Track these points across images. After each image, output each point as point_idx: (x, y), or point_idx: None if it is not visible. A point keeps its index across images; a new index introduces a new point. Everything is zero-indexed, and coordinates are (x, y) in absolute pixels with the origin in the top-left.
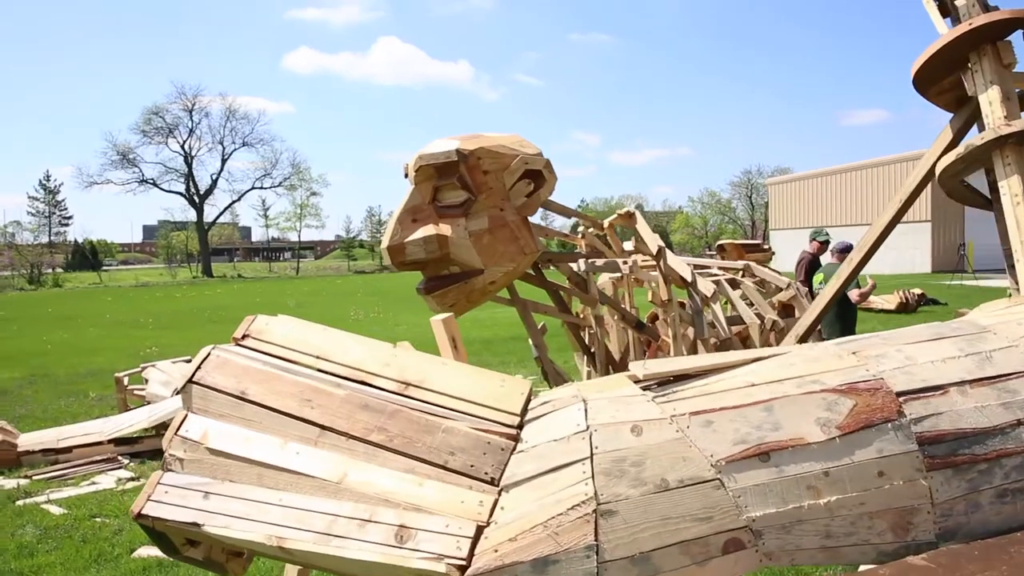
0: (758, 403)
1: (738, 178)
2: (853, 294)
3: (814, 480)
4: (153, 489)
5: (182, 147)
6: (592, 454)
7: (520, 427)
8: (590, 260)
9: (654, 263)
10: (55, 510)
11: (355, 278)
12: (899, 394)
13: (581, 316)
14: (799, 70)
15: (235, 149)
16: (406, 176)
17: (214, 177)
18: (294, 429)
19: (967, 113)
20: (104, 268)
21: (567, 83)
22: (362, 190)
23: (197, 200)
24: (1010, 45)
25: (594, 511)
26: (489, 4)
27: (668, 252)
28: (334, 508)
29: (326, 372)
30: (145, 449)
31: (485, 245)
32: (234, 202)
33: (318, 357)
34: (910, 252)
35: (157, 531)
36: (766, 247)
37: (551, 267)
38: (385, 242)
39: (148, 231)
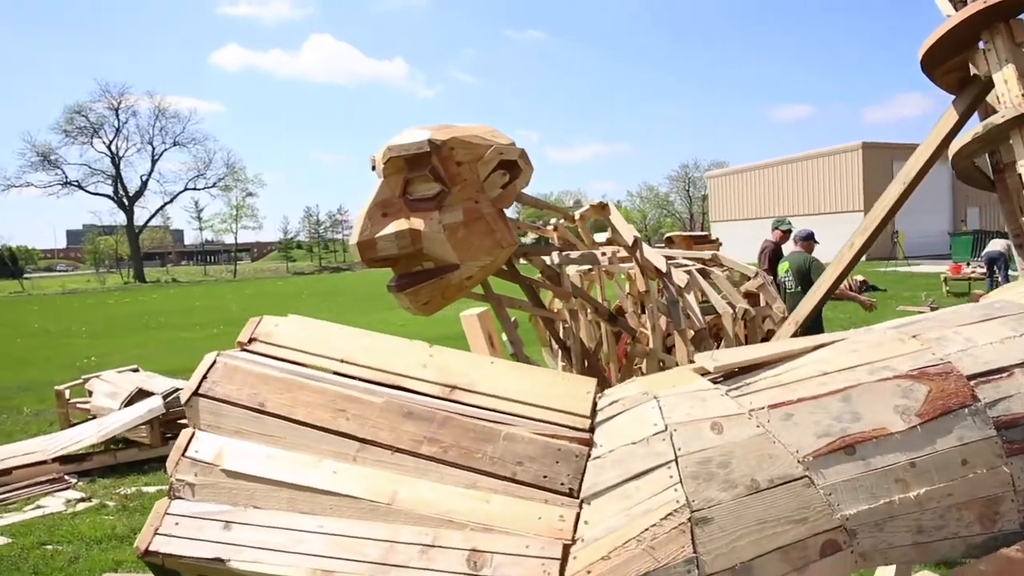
0: (835, 392)
1: (676, 172)
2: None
3: (901, 472)
4: (160, 521)
5: (108, 147)
6: (676, 456)
7: (591, 430)
8: (564, 253)
9: (626, 255)
10: None
11: (296, 279)
12: (969, 378)
13: (556, 311)
14: (730, 65)
15: (165, 149)
16: (373, 169)
17: (144, 178)
18: (327, 444)
19: (972, 94)
20: (25, 276)
21: (504, 80)
22: (296, 190)
23: (126, 203)
24: (1022, 23)
25: (689, 519)
26: (424, 1)
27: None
28: (389, 533)
29: (354, 378)
30: (95, 467)
31: (460, 239)
32: (166, 204)
33: (343, 361)
34: (845, 240)
35: (167, 569)
36: (714, 238)
37: (521, 261)
38: (354, 238)
39: (73, 236)
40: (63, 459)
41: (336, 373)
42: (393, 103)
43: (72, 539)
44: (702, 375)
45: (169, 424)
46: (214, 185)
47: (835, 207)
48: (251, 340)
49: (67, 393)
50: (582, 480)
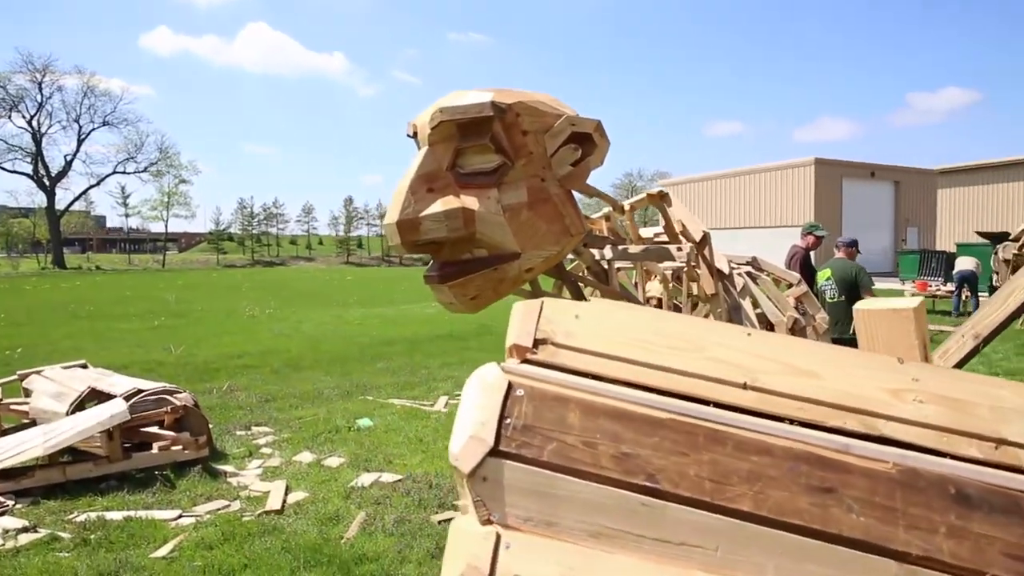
0: None
1: (620, 180)
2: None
3: None
4: None
5: (29, 123)
6: None
7: None
8: (622, 247)
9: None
10: None
11: (230, 272)
12: None
13: None
14: (667, 82)
15: (94, 128)
16: (412, 136)
17: (69, 159)
18: (824, 564)
19: None
20: None
21: (445, 82)
22: (227, 182)
23: (47, 183)
24: None
25: None
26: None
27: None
28: None
29: (783, 419)
30: (36, 485)
31: (523, 222)
32: (92, 186)
33: (745, 385)
34: None
35: None
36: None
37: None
38: (392, 216)
39: None
40: None
41: (721, 406)
42: (332, 98)
43: None
44: None
45: (130, 432)
46: (145, 170)
47: (787, 220)
48: (538, 343)
49: None
50: None
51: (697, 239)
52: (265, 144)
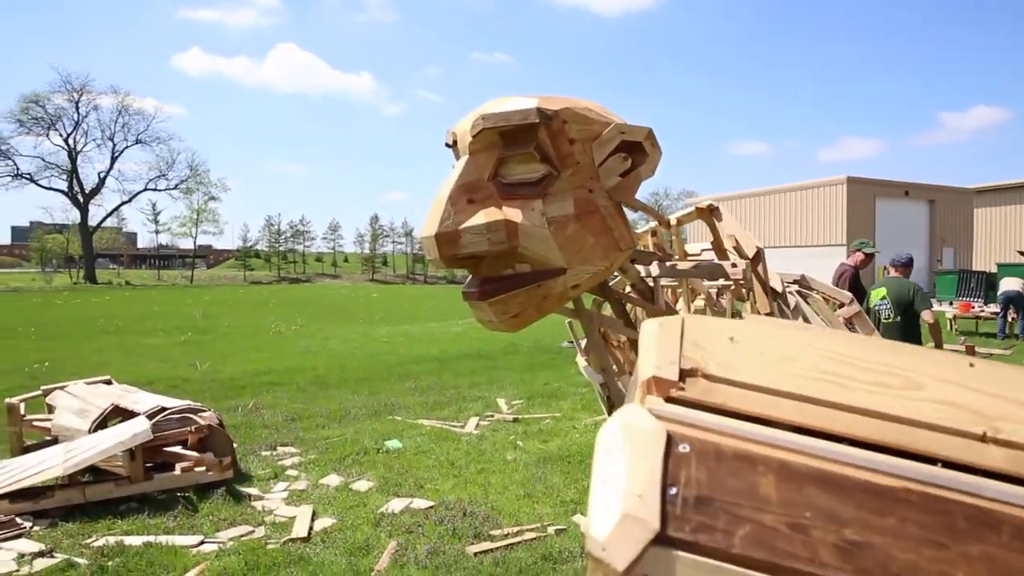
0: None
1: (646, 199)
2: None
3: None
4: None
5: (65, 141)
6: None
7: None
8: (670, 263)
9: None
10: None
11: (256, 288)
12: None
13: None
14: (692, 102)
15: (127, 147)
16: (451, 145)
17: (102, 175)
18: None
19: None
20: None
21: (468, 101)
22: (255, 199)
23: (82, 200)
24: None
25: None
26: (392, 17)
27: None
28: None
29: None
30: (55, 506)
31: (569, 236)
32: (125, 203)
33: (983, 437)
34: (830, 272)
35: None
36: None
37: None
38: (430, 229)
39: (18, 233)
40: (13, 495)
41: (954, 466)
42: (358, 116)
43: None
44: None
45: (152, 451)
46: (176, 187)
47: (819, 240)
48: (685, 374)
49: (21, 408)
50: None
51: (750, 255)
52: (293, 162)
